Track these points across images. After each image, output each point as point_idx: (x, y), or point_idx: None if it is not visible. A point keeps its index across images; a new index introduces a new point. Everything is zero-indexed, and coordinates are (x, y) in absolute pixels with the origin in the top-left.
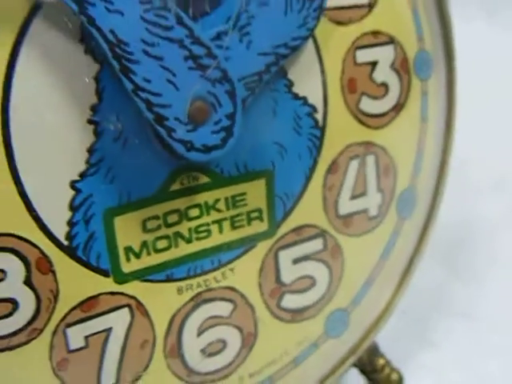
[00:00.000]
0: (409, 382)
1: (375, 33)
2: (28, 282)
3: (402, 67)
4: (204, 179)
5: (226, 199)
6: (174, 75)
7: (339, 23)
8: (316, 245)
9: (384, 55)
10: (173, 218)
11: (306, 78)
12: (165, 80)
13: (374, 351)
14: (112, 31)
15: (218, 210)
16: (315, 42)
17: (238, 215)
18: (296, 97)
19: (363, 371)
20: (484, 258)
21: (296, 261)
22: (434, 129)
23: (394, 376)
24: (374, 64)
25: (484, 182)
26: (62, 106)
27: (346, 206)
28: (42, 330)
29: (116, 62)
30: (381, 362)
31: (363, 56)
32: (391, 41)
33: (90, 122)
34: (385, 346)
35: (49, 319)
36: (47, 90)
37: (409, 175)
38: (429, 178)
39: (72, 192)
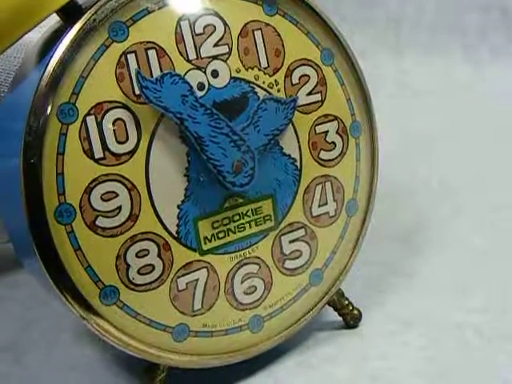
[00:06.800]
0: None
1: (326, 115)
2: (159, 255)
3: (343, 132)
4: (240, 200)
5: (252, 210)
6: (225, 150)
7: (305, 113)
8: (301, 232)
9: (332, 127)
10: (226, 221)
11: (289, 144)
12: (221, 153)
13: (341, 294)
14: (195, 132)
15: (249, 216)
16: (293, 124)
17: (258, 218)
18: (284, 154)
19: (335, 308)
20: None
21: (291, 241)
22: (364, 164)
23: (355, 312)
24: (326, 132)
25: None
26: (173, 167)
27: (316, 210)
28: (165, 280)
29: (198, 146)
30: (345, 302)
31: (320, 129)
32: (335, 118)
33: (185, 174)
34: (347, 291)
35: (168, 275)
36: (166, 159)
37: (351, 191)
38: (363, 192)
39: (178, 210)
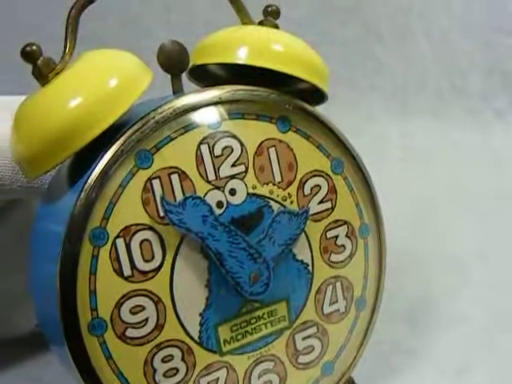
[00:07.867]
0: None
1: (336, 221)
2: (183, 359)
3: (352, 235)
4: (257, 305)
5: (268, 312)
6: (242, 263)
7: (316, 221)
8: (313, 329)
9: (341, 231)
10: (244, 324)
11: (301, 250)
12: (239, 267)
13: (351, 382)
14: (215, 248)
15: (265, 318)
16: (305, 232)
17: (273, 320)
18: (297, 260)
19: None
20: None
21: (304, 338)
22: (372, 261)
23: None
24: (336, 236)
25: None
26: (195, 281)
27: (327, 308)
28: (188, 381)
29: (217, 260)
30: None
31: (330, 234)
32: (345, 223)
33: (206, 286)
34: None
35: (191, 376)
36: (189, 273)
37: (360, 289)
38: (372, 288)
39: (200, 318)
